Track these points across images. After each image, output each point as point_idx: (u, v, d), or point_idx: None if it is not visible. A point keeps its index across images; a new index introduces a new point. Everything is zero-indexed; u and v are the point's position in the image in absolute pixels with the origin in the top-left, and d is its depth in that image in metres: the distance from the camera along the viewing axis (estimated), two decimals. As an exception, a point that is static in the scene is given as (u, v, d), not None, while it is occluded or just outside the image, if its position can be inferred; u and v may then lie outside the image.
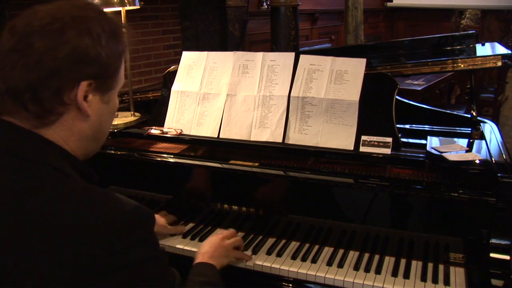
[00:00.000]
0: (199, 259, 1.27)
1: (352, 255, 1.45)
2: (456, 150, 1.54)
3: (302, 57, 1.73)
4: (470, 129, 1.77)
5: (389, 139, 1.55)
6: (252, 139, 1.70)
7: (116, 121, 1.94)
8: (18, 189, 0.79)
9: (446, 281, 1.32)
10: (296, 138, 1.66)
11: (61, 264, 0.74)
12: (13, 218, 0.77)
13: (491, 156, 1.48)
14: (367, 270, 1.38)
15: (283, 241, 1.54)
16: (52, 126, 0.85)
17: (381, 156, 1.54)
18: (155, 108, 1.95)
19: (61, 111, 0.84)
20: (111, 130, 1.80)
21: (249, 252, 1.49)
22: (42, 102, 0.82)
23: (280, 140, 1.66)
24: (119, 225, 0.78)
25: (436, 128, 1.80)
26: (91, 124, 0.90)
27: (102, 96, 0.90)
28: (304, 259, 1.44)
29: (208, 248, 1.32)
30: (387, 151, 1.54)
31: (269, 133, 1.68)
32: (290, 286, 1.41)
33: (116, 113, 2.09)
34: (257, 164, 1.60)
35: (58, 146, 0.86)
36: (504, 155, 1.50)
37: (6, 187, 0.79)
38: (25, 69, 0.80)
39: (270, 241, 1.55)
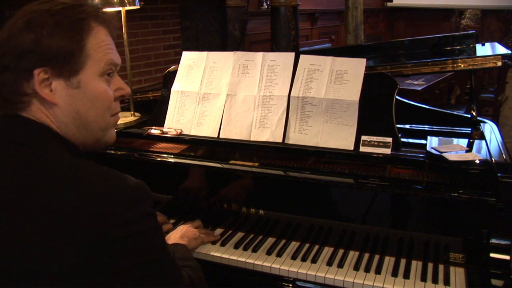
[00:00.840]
0: (171, 240, 1.40)
1: (352, 255, 1.45)
2: (456, 150, 1.54)
3: (302, 57, 1.73)
4: (470, 129, 1.77)
5: (389, 139, 1.55)
6: (252, 139, 1.70)
7: (116, 121, 1.94)
8: (23, 170, 0.84)
9: (446, 281, 1.32)
10: (296, 138, 1.66)
11: (74, 235, 0.78)
12: (28, 197, 0.81)
13: (491, 156, 1.48)
14: (367, 270, 1.38)
15: (283, 241, 1.54)
16: (29, 111, 0.90)
17: (381, 156, 1.54)
18: (155, 108, 1.95)
19: (28, 100, 0.89)
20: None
21: (249, 252, 1.49)
22: (6, 97, 0.88)
23: (280, 140, 1.66)
24: (127, 198, 0.83)
25: (436, 128, 1.80)
26: (64, 111, 0.92)
27: (67, 81, 0.90)
28: (304, 259, 1.44)
29: (178, 232, 1.47)
30: (387, 151, 1.54)
31: (269, 133, 1.68)
32: (290, 286, 1.41)
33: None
34: (257, 164, 1.60)
35: (46, 127, 0.90)
36: (504, 155, 1.50)
37: (10, 170, 0.84)
38: None
39: (270, 241, 1.55)
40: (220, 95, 1.78)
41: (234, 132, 1.73)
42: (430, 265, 1.39)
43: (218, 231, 1.62)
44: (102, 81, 0.95)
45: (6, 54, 0.87)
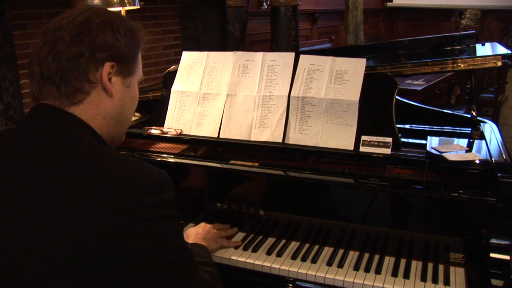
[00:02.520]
0: (191, 239, 1.43)
1: (352, 255, 1.45)
2: (456, 150, 1.54)
3: (302, 57, 1.73)
4: (470, 129, 1.77)
5: (389, 139, 1.55)
6: (252, 139, 1.70)
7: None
8: (58, 156, 0.90)
9: (446, 281, 1.32)
10: (296, 138, 1.66)
11: (99, 215, 0.84)
12: (59, 182, 0.87)
13: (491, 156, 1.48)
14: (367, 270, 1.38)
15: (283, 241, 1.54)
16: (80, 105, 0.97)
17: (381, 156, 1.54)
18: (155, 108, 1.95)
19: (89, 90, 0.97)
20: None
21: (249, 252, 1.49)
22: (71, 81, 0.95)
23: (280, 140, 1.66)
24: (151, 184, 0.89)
25: (436, 128, 1.80)
26: (115, 104, 1.02)
27: (124, 80, 1.03)
28: (304, 259, 1.44)
29: (201, 231, 1.49)
30: (387, 151, 1.54)
31: (269, 133, 1.68)
32: (290, 286, 1.41)
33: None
34: (257, 164, 1.60)
35: (85, 123, 0.98)
36: (504, 155, 1.50)
37: (46, 157, 0.90)
38: (55, 55, 0.94)
39: (270, 241, 1.55)
40: (220, 95, 1.78)
41: (234, 132, 1.73)
42: (430, 265, 1.39)
43: (218, 231, 1.62)
44: (137, 87, 1.10)
45: (85, 43, 0.95)
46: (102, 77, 0.97)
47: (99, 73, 0.97)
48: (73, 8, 1.02)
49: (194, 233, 1.47)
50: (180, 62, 1.89)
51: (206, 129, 1.77)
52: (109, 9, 1.92)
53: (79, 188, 0.86)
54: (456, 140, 1.65)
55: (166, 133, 1.81)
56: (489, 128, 1.78)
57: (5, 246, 0.86)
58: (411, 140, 1.71)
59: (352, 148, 1.58)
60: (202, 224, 1.53)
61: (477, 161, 1.45)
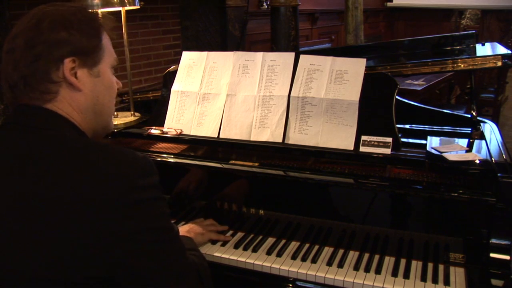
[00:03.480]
0: None
1: (352, 255, 1.45)
2: (456, 150, 1.54)
3: (302, 57, 1.73)
4: (470, 129, 1.77)
5: (389, 139, 1.55)
6: (252, 139, 1.70)
7: (116, 121, 1.94)
8: (44, 153, 0.92)
9: (446, 281, 1.32)
10: (296, 138, 1.66)
11: (90, 199, 0.87)
12: (48, 177, 0.89)
13: (491, 156, 1.48)
14: (367, 270, 1.38)
15: (283, 241, 1.54)
16: (55, 102, 0.99)
17: (381, 156, 1.54)
18: (155, 108, 1.95)
19: (56, 89, 0.98)
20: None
21: (249, 252, 1.49)
22: (34, 85, 0.96)
23: (280, 140, 1.66)
24: (138, 168, 0.92)
25: (436, 128, 1.80)
26: (87, 97, 1.03)
27: (90, 71, 1.03)
28: (304, 259, 1.44)
29: (186, 226, 1.54)
30: (387, 151, 1.54)
31: (269, 133, 1.68)
32: (290, 286, 1.41)
33: (115, 113, 2.10)
34: (257, 164, 1.60)
35: (65, 118, 1.00)
36: (504, 155, 1.50)
37: (33, 155, 0.92)
38: (15, 63, 0.96)
39: (270, 241, 1.55)
40: (220, 95, 1.78)
41: (234, 132, 1.73)
42: (430, 265, 1.39)
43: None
44: (111, 73, 1.10)
45: (39, 45, 0.95)
46: (65, 74, 0.98)
47: (60, 71, 0.97)
48: (34, 8, 1.02)
49: (180, 228, 1.49)
50: (180, 62, 1.89)
51: (206, 129, 1.77)
52: (108, 9, 1.92)
53: (69, 180, 0.88)
54: (456, 140, 1.65)
55: (166, 133, 1.81)
56: (489, 128, 1.78)
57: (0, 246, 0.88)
58: (411, 140, 1.71)
59: (352, 148, 1.58)
60: (191, 222, 1.58)
61: (477, 161, 1.45)
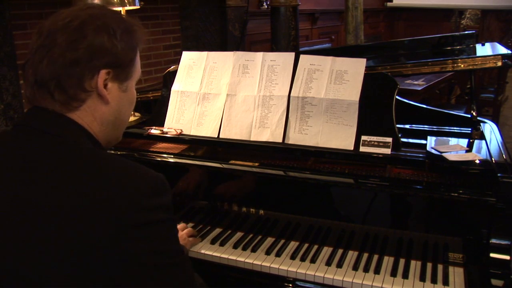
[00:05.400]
0: None
1: (351, 255, 1.45)
2: (456, 150, 1.54)
3: (302, 57, 1.73)
4: (470, 129, 1.77)
5: (389, 139, 1.55)
6: (252, 139, 1.70)
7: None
8: (56, 160, 0.90)
9: (445, 281, 1.32)
10: (296, 138, 1.66)
11: (95, 218, 0.84)
12: (54, 186, 0.86)
13: (491, 156, 1.48)
14: (366, 270, 1.38)
15: (282, 241, 1.54)
16: (77, 111, 0.96)
17: (381, 156, 1.54)
18: (155, 108, 1.95)
19: (84, 97, 0.95)
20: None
21: (248, 252, 1.49)
22: (66, 89, 0.93)
23: (280, 140, 1.66)
24: (148, 188, 0.88)
25: (436, 128, 1.80)
26: (111, 110, 1.01)
27: (120, 85, 1.00)
28: (303, 259, 1.44)
29: None
30: (387, 151, 1.54)
31: (269, 133, 1.68)
32: (289, 286, 1.41)
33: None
34: (257, 164, 1.60)
35: (82, 127, 0.97)
36: (504, 155, 1.50)
37: (44, 161, 0.90)
38: (50, 61, 0.91)
39: (269, 240, 1.55)
40: (220, 95, 1.78)
41: (234, 132, 1.73)
42: (429, 265, 1.39)
43: (217, 230, 1.62)
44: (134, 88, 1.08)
45: (81, 50, 0.92)
46: (98, 85, 0.95)
47: (94, 81, 0.94)
48: (69, 8, 0.98)
49: None
50: (180, 62, 1.89)
51: (206, 129, 1.77)
52: (111, 8, 1.92)
53: (77, 191, 0.85)
54: (456, 140, 1.65)
55: (166, 133, 1.81)
56: (489, 128, 1.78)
57: (5, 249, 0.85)
58: (411, 140, 1.71)
59: (352, 148, 1.58)
60: None
61: (477, 161, 1.45)
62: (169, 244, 0.92)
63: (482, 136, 1.69)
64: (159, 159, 1.70)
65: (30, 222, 0.85)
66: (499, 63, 1.77)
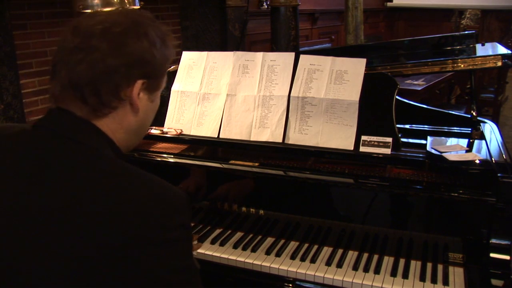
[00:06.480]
0: None
1: (351, 255, 1.45)
2: (456, 150, 1.54)
3: (302, 57, 1.73)
4: (470, 129, 1.77)
5: (389, 139, 1.55)
6: (252, 139, 1.70)
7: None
8: (74, 168, 0.87)
9: (445, 281, 1.32)
10: (296, 138, 1.66)
11: (111, 232, 0.81)
12: (72, 193, 0.83)
13: (491, 156, 1.48)
14: (366, 270, 1.38)
15: (282, 241, 1.54)
16: (104, 118, 0.94)
17: (381, 156, 1.54)
18: (155, 108, 1.95)
19: (116, 105, 0.93)
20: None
21: (248, 252, 1.49)
22: (100, 95, 0.90)
23: (280, 140, 1.66)
24: (169, 206, 0.86)
25: (436, 128, 1.80)
26: (138, 119, 0.99)
27: (150, 95, 0.99)
28: (303, 259, 1.44)
29: None
30: (387, 151, 1.54)
31: (269, 133, 1.68)
32: (289, 286, 1.41)
33: None
34: (257, 164, 1.60)
35: (107, 136, 0.95)
36: (504, 155, 1.50)
37: (64, 168, 0.87)
38: (89, 66, 0.89)
39: (269, 240, 1.55)
40: (220, 95, 1.78)
41: (234, 132, 1.73)
42: (429, 265, 1.39)
43: (217, 230, 1.62)
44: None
45: (122, 58, 0.90)
46: (133, 95, 0.93)
47: (129, 90, 0.93)
48: (105, 11, 0.97)
49: None
50: (180, 62, 1.89)
51: (206, 129, 1.77)
52: (107, 9, 1.92)
53: (95, 202, 0.82)
54: (456, 140, 1.65)
55: (166, 133, 1.81)
56: (489, 128, 1.78)
57: (16, 252, 0.83)
58: (411, 140, 1.71)
59: (352, 148, 1.58)
60: None
61: (477, 161, 1.45)
62: (185, 261, 0.91)
63: (482, 136, 1.69)
64: (159, 159, 1.70)
65: (46, 231, 0.82)
66: (499, 63, 1.77)
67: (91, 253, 0.80)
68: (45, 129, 0.92)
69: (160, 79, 1.00)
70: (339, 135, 1.60)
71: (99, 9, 1.89)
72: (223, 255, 1.48)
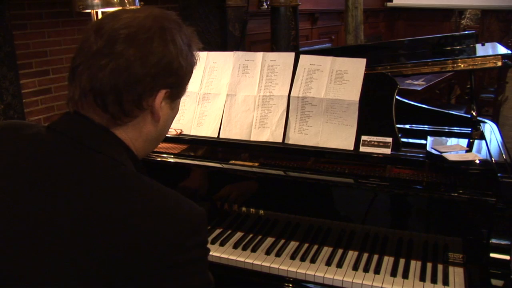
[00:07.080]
0: None
1: (351, 255, 1.45)
2: (456, 150, 1.54)
3: (302, 57, 1.73)
4: (470, 129, 1.77)
5: (389, 139, 1.55)
6: (252, 139, 1.70)
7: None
8: (93, 179, 0.83)
9: (445, 281, 1.32)
10: (296, 138, 1.66)
11: (128, 253, 0.77)
12: (87, 206, 0.80)
13: (491, 156, 1.48)
14: (366, 270, 1.38)
15: (282, 241, 1.54)
16: (124, 126, 0.90)
17: (381, 156, 1.54)
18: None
19: (137, 114, 0.90)
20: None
21: (248, 252, 1.49)
22: (122, 104, 0.87)
23: (280, 140, 1.66)
24: (188, 226, 0.82)
25: (436, 128, 1.80)
26: (158, 128, 0.96)
27: (171, 103, 0.95)
28: (303, 259, 1.44)
29: None
30: (387, 151, 1.54)
31: (269, 133, 1.68)
32: (289, 286, 1.41)
33: None
34: (257, 164, 1.60)
35: (126, 145, 0.92)
36: (504, 155, 1.50)
37: (81, 178, 0.83)
38: (113, 73, 0.85)
39: (269, 240, 1.55)
40: (220, 95, 1.78)
41: (234, 132, 1.73)
42: (429, 265, 1.39)
43: (217, 230, 1.62)
44: None
45: (148, 67, 0.86)
46: (155, 105, 0.90)
47: (152, 99, 0.89)
48: (129, 11, 0.91)
49: None
50: (180, 62, 1.88)
51: (206, 129, 1.77)
52: (107, 9, 1.92)
53: (110, 216, 0.79)
54: (456, 140, 1.65)
55: (166, 133, 1.81)
56: (489, 128, 1.78)
57: (23, 261, 0.79)
58: (411, 140, 1.71)
59: (352, 148, 1.58)
60: None
61: (477, 161, 1.45)
62: (202, 279, 0.87)
63: (482, 136, 1.69)
64: (159, 159, 1.70)
65: (49, 240, 0.78)
66: (499, 63, 1.77)
67: (102, 269, 0.76)
68: (63, 135, 0.88)
69: (183, 87, 0.96)
70: (339, 135, 1.60)
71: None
72: (223, 255, 1.48)
